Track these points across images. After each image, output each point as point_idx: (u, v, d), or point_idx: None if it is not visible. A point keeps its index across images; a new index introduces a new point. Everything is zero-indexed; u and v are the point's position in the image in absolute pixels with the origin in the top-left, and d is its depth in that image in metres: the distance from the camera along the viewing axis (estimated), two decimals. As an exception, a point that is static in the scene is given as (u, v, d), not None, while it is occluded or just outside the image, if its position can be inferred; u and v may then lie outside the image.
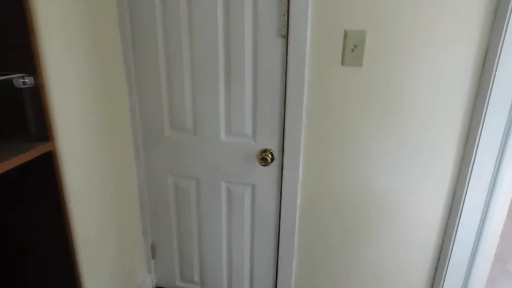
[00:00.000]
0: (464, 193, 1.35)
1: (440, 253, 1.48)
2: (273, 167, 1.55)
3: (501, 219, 1.41)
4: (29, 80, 0.97)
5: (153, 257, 1.94)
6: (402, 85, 1.29)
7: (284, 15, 1.31)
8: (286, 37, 1.34)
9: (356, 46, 1.29)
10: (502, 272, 2.30)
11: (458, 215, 1.38)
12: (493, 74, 1.16)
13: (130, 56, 1.54)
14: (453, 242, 1.42)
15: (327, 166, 1.48)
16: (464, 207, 1.36)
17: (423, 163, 1.37)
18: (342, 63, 1.33)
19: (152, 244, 1.92)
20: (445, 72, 1.25)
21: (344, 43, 1.30)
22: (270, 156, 1.50)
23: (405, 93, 1.30)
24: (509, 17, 1.11)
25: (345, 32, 1.29)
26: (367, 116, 1.36)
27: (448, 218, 1.43)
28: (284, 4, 1.30)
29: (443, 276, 1.47)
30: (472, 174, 1.30)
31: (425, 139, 1.34)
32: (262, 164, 1.48)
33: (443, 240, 1.46)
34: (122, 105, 1.59)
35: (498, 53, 1.15)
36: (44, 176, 1.07)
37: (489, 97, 1.18)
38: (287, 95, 1.40)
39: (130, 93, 1.60)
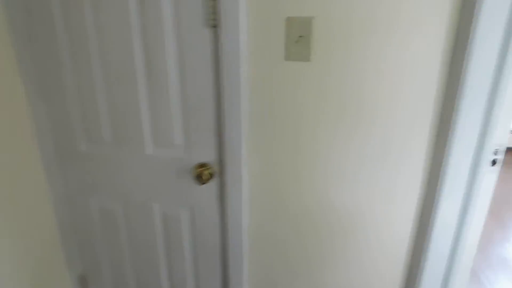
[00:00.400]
0: (435, 205, 1.14)
1: (411, 269, 1.28)
2: (213, 185, 1.29)
3: (477, 231, 1.22)
4: None
5: (82, 291, 1.65)
6: (360, 84, 1.06)
7: (211, -1, 1.05)
8: (216, 27, 1.08)
9: (301, 36, 1.05)
10: (477, 284, 2.16)
11: (430, 229, 1.17)
12: (462, 75, 0.94)
13: (27, 53, 1.23)
14: (425, 257, 1.22)
15: (279, 181, 1.23)
16: (436, 220, 1.15)
17: (389, 174, 1.15)
18: (286, 58, 1.08)
19: (82, 276, 1.62)
20: (411, 67, 1.02)
21: (287, 33, 1.05)
22: (208, 172, 1.24)
23: (364, 94, 1.07)
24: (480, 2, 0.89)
25: (288, 19, 1.04)
26: (322, 122, 1.13)
27: (419, 233, 1.22)
28: (211, -15, 1.04)
29: (414, 302, 1.27)
30: (444, 184, 1.10)
31: (391, 145, 1.12)
32: (197, 182, 1.22)
33: (414, 256, 1.26)
34: (19, 114, 1.27)
35: (467, 47, 0.93)
36: None
37: (460, 98, 0.96)
38: (222, 97, 1.13)
39: (31, 99, 1.29)
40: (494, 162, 1.04)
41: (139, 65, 1.17)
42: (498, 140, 1.01)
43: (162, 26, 1.10)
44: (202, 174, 1.22)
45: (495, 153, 1.02)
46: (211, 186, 1.30)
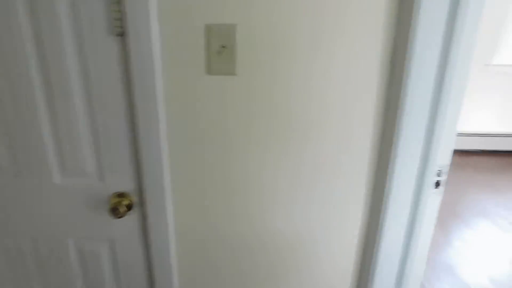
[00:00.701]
0: (379, 232, 1.04)
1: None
2: (134, 216, 1.12)
3: (423, 255, 1.14)
4: None
5: None
6: (292, 100, 0.94)
7: (116, 2, 0.88)
8: (123, 35, 0.91)
9: (224, 47, 0.91)
10: None
11: (374, 260, 1.08)
12: (402, 92, 0.85)
13: None
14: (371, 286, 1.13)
15: (210, 208, 1.09)
16: (380, 249, 1.06)
17: (328, 197, 1.04)
18: (208, 71, 0.93)
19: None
20: (345, 82, 0.91)
21: (208, 43, 0.91)
22: (126, 203, 1.07)
23: (296, 111, 0.95)
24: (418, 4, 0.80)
25: (207, 27, 0.90)
26: (252, 142, 0.99)
27: (363, 264, 1.13)
28: (114, -14, 0.87)
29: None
30: (387, 210, 1.00)
31: (327, 167, 1.01)
32: (113, 216, 1.04)
33: (359, 286, 1.16)
34: None
35: (405, 63, 0.83)
36: None
37: (400, 120, 0.86)
38: (136, 117, 0.97)
39: None
40: (437, 184, 0.95)
41: (36, 82, 0.98)
42: (441, 160, 0.92)
43: (59, 37, 0.92)
44: (119, 205, 1.04)
45: (438, 174, 0.94)
46: (132, 218, 1.13)
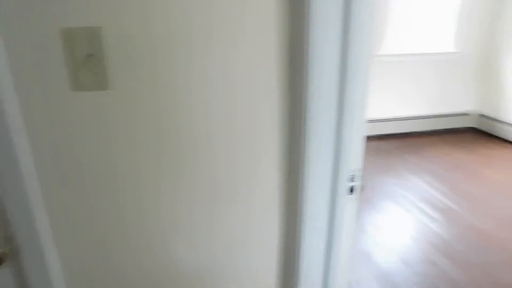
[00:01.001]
0: (298, 247, 0.96)
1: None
2: (7, 271, 0.87)
3: (345, 262, 1.09)
4: None
5: None
6: (181, 116, 0.79)
7: None
8: None
9: (91, 55, 0.72)
10: None
11: (296, 275, 0.99)
12: (304, 97, 0.76)
13: None
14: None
15: (103, 245, 0.89)
16: (301, 264, 0.97)
17: (237, 221, 0.92)
18: (74, 87, 0.74)
19: None
20: (240, 89, 0.80)
21: (68, 52, 0.71)
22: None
23: (187, 127, 0.80)
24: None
25: (65, 32, 0.70)
26: (142, 166, 0.82)
27: (285, 281, 1.03)
28: None
29: None
30: (305, 222, 0.92)
31: (232, 187, 0.88)
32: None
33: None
34: None
35: (304, 68, 0.75)
36: None
37: (306, 129, 0.78)
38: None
39: None
40: (352, 189, 0.89)
41: None
42: (352, 165, 0.86)
43: None
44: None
45: (352, 179, 0.88)
46: (5, 273, 0.88)
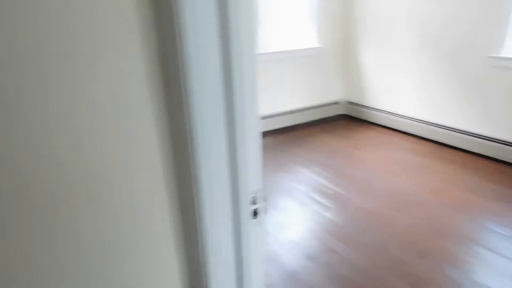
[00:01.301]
0: (205, 284, 0.83)
1: None
2: None
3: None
4: None
5: None
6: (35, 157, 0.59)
7: None
8: None
9: None
10: None
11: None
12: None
13: None
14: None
15: None
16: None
17: (130, 269, 0.75)
18: None
19: None
20: (111, 101, 0.63)
21: None
22: None
23: (47, 171, 0.61)
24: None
25: None
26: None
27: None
28: None
29: None
30: (208, 258, 0.79)
31: (115, 230, 0.71)
32: None
33: None
34: None
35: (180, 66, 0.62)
36: None
37: (194, 153, 0.65)
38: None
39: None
40: (255, 213, 0.80)
41: None
42: (252, 186, 0.77)
43: None
44: None
45: (254, 202, 0.79)
46: None
